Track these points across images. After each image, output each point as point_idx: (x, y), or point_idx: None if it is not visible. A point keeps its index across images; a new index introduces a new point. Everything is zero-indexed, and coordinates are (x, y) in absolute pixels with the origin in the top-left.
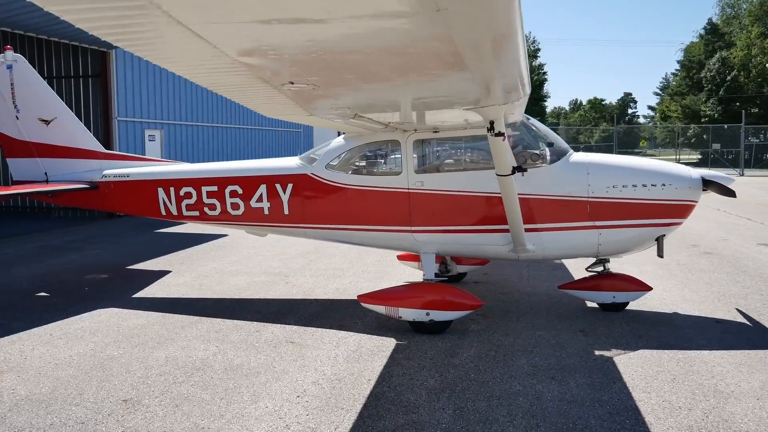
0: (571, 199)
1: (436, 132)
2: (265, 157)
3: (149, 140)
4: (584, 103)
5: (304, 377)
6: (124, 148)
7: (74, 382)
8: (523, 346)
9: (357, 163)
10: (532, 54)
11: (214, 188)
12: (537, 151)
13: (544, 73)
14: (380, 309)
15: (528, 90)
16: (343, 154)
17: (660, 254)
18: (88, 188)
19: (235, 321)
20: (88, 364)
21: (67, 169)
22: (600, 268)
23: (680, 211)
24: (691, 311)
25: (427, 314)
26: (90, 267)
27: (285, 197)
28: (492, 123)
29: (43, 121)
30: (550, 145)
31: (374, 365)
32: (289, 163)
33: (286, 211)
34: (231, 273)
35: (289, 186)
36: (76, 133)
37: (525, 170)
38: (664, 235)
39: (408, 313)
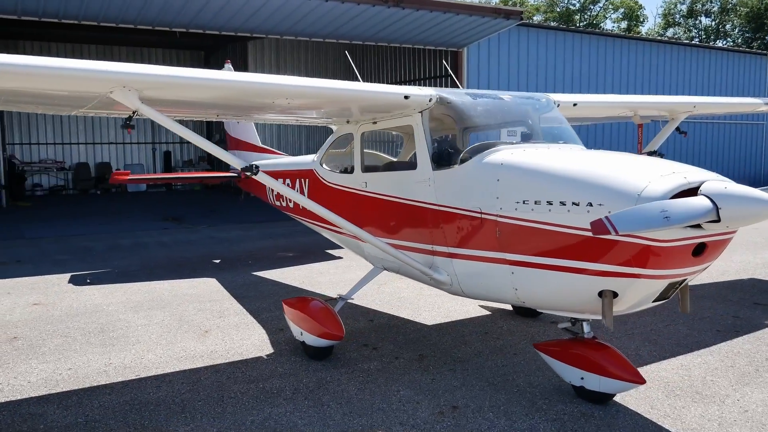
0: (477, 215)
1: (375, 123)
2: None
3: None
4: None
5: (122, 357)
6: None
7: (36, 317)
8: (354, 395)
9: (333, 160)
10: None
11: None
12: (447, 147)
13: None
14: (286, 318)
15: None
16: (325, 149)
17: (606, 320)
18: (239, 177)
19: (237, 305)
20: (74, 310)
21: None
22: (574, 329)
23: (626, 253)
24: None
25: (301, 334)
26: (298, 247)
27: (306, 192)
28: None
29: (237, 119)
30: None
31: (196, 365)
32: (310, 158)
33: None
34: (364, 267)
35: (306, 182)
36: (247, 129)
37: (256, 172)
38: (615, 294)
39: (293, 329)
